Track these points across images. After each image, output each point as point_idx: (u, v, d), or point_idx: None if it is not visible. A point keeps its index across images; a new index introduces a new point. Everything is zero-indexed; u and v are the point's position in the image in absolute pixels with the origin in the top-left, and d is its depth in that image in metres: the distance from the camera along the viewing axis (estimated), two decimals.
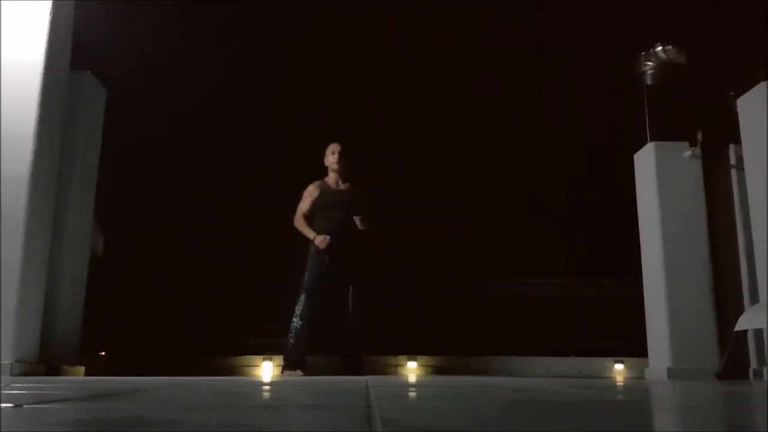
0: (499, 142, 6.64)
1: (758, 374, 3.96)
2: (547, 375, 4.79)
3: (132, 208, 5.96)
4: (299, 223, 4.58)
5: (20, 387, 2.09)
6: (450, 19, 6.66)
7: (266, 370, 5.08)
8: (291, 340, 4.41)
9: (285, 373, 4.36)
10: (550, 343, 5.38)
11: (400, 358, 5.21)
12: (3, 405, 1.35)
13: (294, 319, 4.44)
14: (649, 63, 4.70)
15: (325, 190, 4.60)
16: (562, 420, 1.22)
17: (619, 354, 5.27)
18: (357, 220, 4.42)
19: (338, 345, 4.58)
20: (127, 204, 5.89)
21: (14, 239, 3.36)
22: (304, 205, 4.59)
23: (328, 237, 4.43)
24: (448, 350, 5.33)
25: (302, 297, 4.48)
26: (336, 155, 4.60)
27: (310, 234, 4.51)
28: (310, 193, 4.62)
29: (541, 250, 6.30)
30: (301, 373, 4.30)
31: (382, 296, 5.04)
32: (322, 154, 4.73)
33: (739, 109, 3.97)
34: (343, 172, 4.63)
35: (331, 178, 4.65)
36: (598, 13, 6.25)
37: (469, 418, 1.21)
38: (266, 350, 5.18)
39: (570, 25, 6.51)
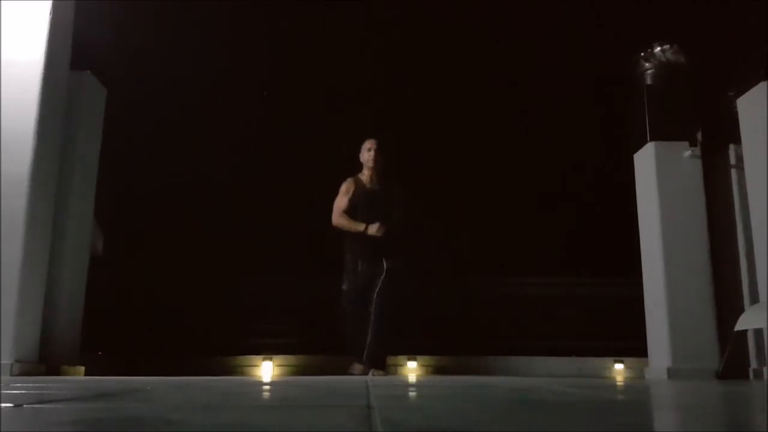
0: (496, 141, 6.64)
1: (758, 374, 3.96)
2: (547, 375, 4.79)
3: (132, 208, 5.96)
4: (342, 219, 4.44)
5: (20, 387, 2.09)
6: (450, 20, 6.65)
7: (266, 370, 5.08)
8: (349, 336, 4.45)
9: (353, 368, 4.34)
10: (550, 343, 5.38)
11: (400, 358, 5.20)
12: (3, 405, 1.35)
13: (348, 329, 4.47)
14: (648, 63, 4.69)
15: (359, 188, 4.50)
16: (562, 420, 1.22)
17: (619, 354, 5.27)
18: (373, 228, 4.32)
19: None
20: (127, 204, 5.89)
21: (14, 239, 3.36)
22: (343, 202, 4.47)
23: (380, 225, 4.30)
24: (448, 350, 5.33)
25: (344, 305, 4.49)
26: (372, 152, 4.51)
27: (359, 227, 4.36)
28: (346, 190, 4.50)
29: (541, 250, 6.30)
30: (362, 368, 4.26)
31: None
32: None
33: (739, 109, 3.97)
34: (378, 170, 4.53)
35: (366, 176, 4.55)
36: (599, 13, 6.25)
37: (469, 418, 1.20)
38: (266, 350, 5.19)
39: (571, 25, 6.50)
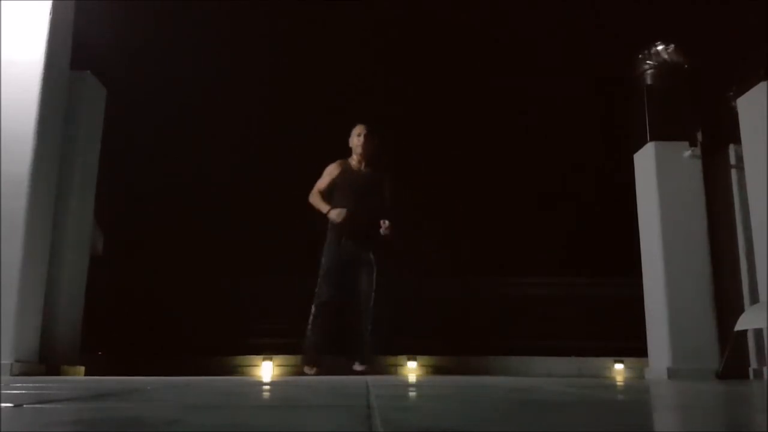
0: (496, 141, 6.64)
1: (758, 374, 3.96)
2: (547, 375, 4.79)
3: (132, 208, 5.96)
4: (314, 198, 4.45)
5: (20, 387, 2.09)
6: (450, 20, 6.65)
7: (266, 370, 5.08)
8: (308, 332, 4.32)
9: (304, 368, 4.27)
10: (550, 343, 5.38)
11: (400, 358, 5.20)
12: (3, 405, 1.35)
13: (312, 308, 4.34)
14: (649, 63, 4.69)
15: (346, 170, 4.50)
16: (562, 420, 1.22)
17: (619, 354, 5.27)
18: (385, 225, 4.28)
19: (357, 342, 4.40)
20: (127, 204, 5.89)
21: (14, 239, 3.36)
22: (323, 182, 4.48)
23: (344, 210, 4.28)
24: (448, 350, 5.33)
25: (318, 283, 4.36)
26: (362, 137, 4.51)
27: (324, 208, 4.36)
28: (330, 172, 4.51)
29: (541, 250, 6.30)
30: (316, 371, 4.20)
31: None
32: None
33: (739, 109, 3.97)
34: (368, 155, 4.51)
35: (354, 160, 4.56)
36: (599, 13, 6.25)
37: (469, 418, 1.21)
38: (266, 350, 5.18)
39: (571, 25, 6.50)
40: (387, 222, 4.30)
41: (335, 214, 4.31)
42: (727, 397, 2.16)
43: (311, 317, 4.36)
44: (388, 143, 4.77)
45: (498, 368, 5.14)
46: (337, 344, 4.39)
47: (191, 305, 5.49)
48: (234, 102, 6.51)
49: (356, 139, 4.55)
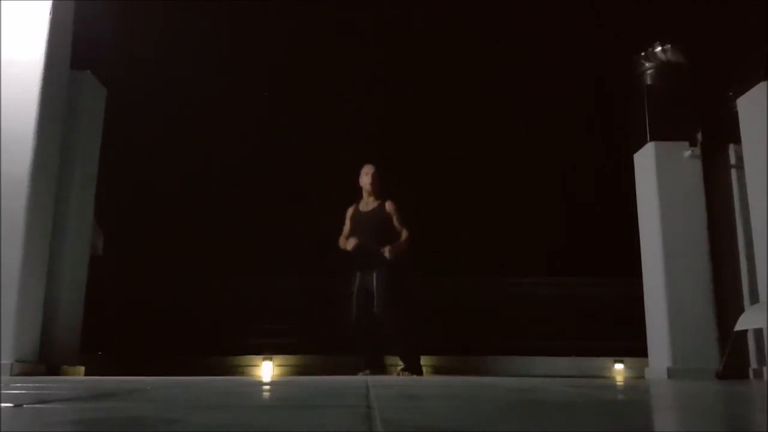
0: (497, 141, 6.64)
1: (758, 374, 3.96)
2: (547, 375, 4.79)
3: (132, 208, 5.96)
4: (341, 241, 4.81)
5: (20, 387, 2.09)
6: (450, 20, 6.66)
7: (266, 370, 5.09)
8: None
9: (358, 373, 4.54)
10: (550, 343, 5.38)
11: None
12: (3, 405, 1.35)
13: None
14: (648, 63, 4.69)
15: (356, 211, 4.83)
16: (562, 420, 1.22)
17: (619, 354, 5.27)
18: (386, 250, 4.54)
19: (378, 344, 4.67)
20: (127, 204, 5.89)
21: (14, 239, 3.36)
22: (345, 227, 4.85)
23: (353, 239, 4.65)
24: (448, 350, 5.33)
25: (352, 311, 4.68)
26: (369, 176, 4.80)
27: (344, 245, 4.76)
28: (348, 216, 4.88)
29: (542, 249, 6.30)
30: (368, 372, 4.45)
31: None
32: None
33: (739, 109, 3.97)
34: (376, 192, 4.79)
35: (364, 198, 4.85)
36: (599, 13, 6.26)
37: (469, 418, 1.21)
38: (266, 350, 5.19)
39: (571, 25, 6.51)
40: (388, 248, 4.57)
41: (349, 245, 4.67)
42: (727, 397, 2.16)
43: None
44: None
45: (498, 368, 5.14)
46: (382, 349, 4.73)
47: (191, 305, 5.49)
48: (234, 102, 6.51)
49: (364, 178, 4.83)
